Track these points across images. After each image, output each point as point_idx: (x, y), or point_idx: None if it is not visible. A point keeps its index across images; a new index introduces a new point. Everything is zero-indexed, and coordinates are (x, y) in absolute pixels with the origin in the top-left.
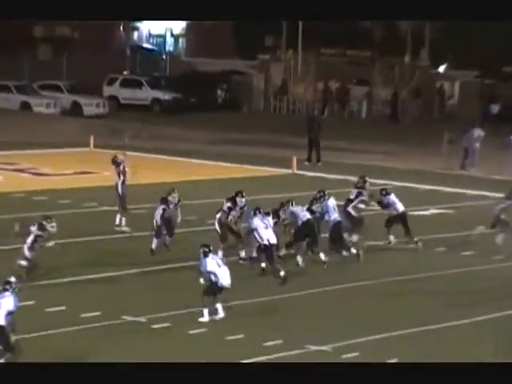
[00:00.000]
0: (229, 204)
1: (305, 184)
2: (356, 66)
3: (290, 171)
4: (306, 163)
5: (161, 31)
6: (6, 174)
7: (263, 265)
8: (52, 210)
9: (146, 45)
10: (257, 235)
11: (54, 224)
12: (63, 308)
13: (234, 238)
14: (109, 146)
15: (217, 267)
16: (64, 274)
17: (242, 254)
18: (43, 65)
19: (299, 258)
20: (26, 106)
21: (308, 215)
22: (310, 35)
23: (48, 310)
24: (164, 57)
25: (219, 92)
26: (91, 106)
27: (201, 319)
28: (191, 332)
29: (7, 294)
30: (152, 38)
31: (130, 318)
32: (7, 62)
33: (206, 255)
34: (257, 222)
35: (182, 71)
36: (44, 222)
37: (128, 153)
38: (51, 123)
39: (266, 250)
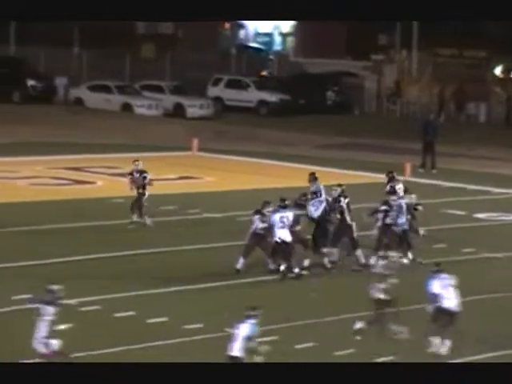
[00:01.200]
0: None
1: (418, 192)
2: (473, 68)
3: (402, 178)
4: (420, 170)
5: (268, 30)
6: (106, 178)
7: (282, 267)
8: (153, 216)
9: (252, 44)
10: (272, 232)
11: None
12: (165, 319)
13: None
14: (213, 149)
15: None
16: (170, 283)
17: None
18: (145, 64)
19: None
20: (127, 107)
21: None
22: (425, 35)
23: (149, 321)
24: (271, 57)
25: (329, 94)
26: (195, 107)
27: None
28: (297, 346)
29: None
30: (259, 37)
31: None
32: (108, 61)
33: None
34: (274, 219)
35: (291, 72)
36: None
37: (233, 157)
38: (153, 125)
39: (281, 248)
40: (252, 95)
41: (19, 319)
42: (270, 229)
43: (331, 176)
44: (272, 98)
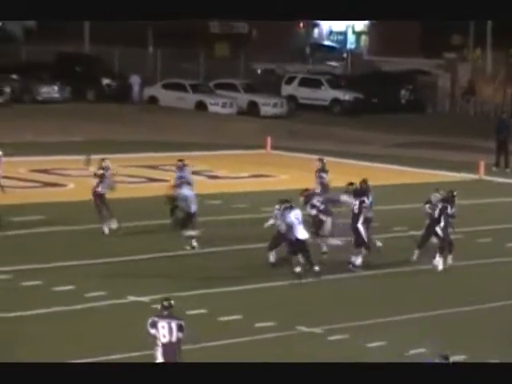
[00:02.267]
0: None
1: (492, 191)
2: None
3: (476, 177)
4: (494, 168)
5: (342, 28)
6: None
7: (297, 269)
8: (226, 214)
9: (326, 42)
10: (292, 231)
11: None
12: (239, 317)
13: None
14: (287, 147)
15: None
16: (238, 281)
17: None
18: (219, 63)
19: None
20: (201, 106)
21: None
22: (499, 34)
23: (221, 318)
24: (345, 55)
25: (403, 92)
26: (269, 105)
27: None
28: (368, 345)
29: None
30: (333, 36)
31: (304, 329)
32: (182, 60)
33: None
34: (291, 218)
35: (364, 70)
36: None
37: (306, 155)
38: (227, 123)
39: (298, 246)
40: (325, 93)
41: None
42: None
43: (405, 175)
44: (345, 96)
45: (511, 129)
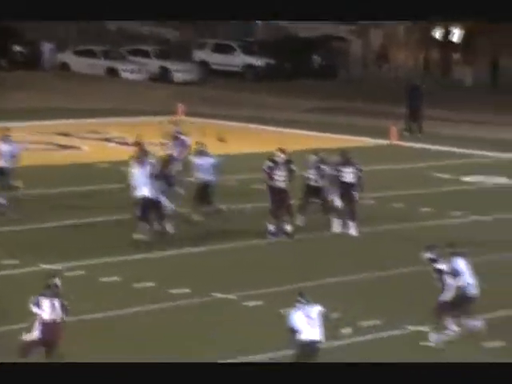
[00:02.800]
0: (269, 163)
1: (404, 156)
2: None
3: (388, 142)
4: (406, 133)
5: None
6: (92, 143)
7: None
8: None
9: None
10: None
11: None
12: (152, 284)
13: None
14: (199, 114)
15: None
16: (151, 248)
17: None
18: (131, 29)
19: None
20: (112, 72)
21: None
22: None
23: (136, 285)
24: (257, 20)
25: (315, 58)
26: (180, 71)
27: None
28: (282, 311)
29: None
30: None
31: (219, 295)
32: (94, 25)
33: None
34: None
35: (277, 36)
36: None
37: (218, 121)
38: (139, 90)
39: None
40: (238, 59)
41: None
42: None
43: (318, 140)
44: (258, 62)
45: (423, 94)
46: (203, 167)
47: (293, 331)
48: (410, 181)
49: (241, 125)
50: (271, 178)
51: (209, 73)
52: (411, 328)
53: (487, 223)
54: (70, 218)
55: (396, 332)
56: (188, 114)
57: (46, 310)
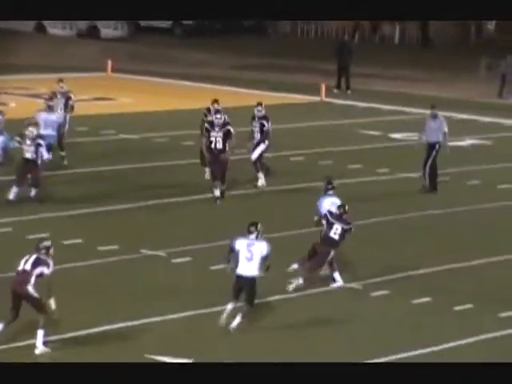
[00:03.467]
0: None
1: (334, 112)
2: None
3: (318, 98)
4: (335, 90)
5: None
6: (20, 99)
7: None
8: (68, 137)
9: None
10: None
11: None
12: (80, 241)
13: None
14: (127, 70)
15: None
16: (78, 205)
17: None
18: None
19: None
20: (40, 28)
21: None
22: None
23: (65, 242)
24: None
25: None
26: (109, 28)
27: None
28: (212, 268)
29: None
30: None
31: (148, 252)
32: None
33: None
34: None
35: None
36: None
37: (148, 78)
38: (67, 46)
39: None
40: None
41: None
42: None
43: (247, 97)
44: None
45: (352, 51)
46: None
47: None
48: (339, 138)
49: (170, 81)
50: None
51: (137, 29)
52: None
53: (415, 180)
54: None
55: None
56: (116, 70)
57: (21, 261)
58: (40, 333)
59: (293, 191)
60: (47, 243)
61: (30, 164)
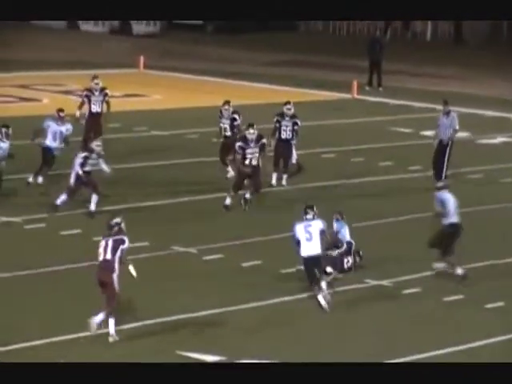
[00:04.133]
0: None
1: (365, 110)
2: None
3: (349, 96)
4: (367, 88)
5: None
6: (53, 95)
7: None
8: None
9: None
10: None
11: (98, 143)
12: None
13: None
14: (159, 67)
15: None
16: (110, 201)
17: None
18: None
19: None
20: (73, 25)
21: None
22: None
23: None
24: None
25: None
26: (141, 24)
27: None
28: (243, 264)
29: None
30: None
31: (180, 249)
32: None
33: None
34: None
35: None
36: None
37: (180, 75)
38: (99, 42)
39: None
40: None
41: None
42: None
43: (278, 94)
44: None
45: (384, 47)
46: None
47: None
48: (370, 135)
49: (201, 78)
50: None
51: (169, 26)
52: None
53: (447, 177)
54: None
55: None
56: (148, 67)
57: (100, 250)
58: (112, 321)
59: (325, 188)
60: (118, 219)
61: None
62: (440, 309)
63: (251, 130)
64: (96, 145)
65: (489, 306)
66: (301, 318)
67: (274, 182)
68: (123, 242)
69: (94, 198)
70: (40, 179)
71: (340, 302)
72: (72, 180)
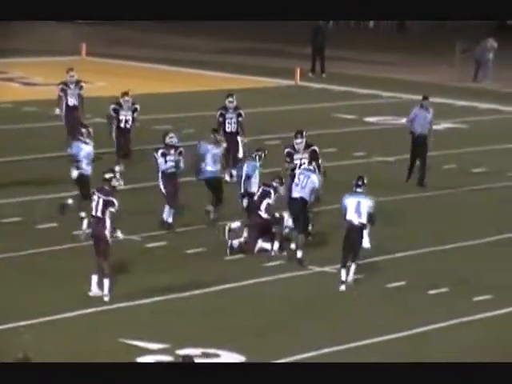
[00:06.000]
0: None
1: (309, 96)
2: None
3: (292, 82)
4: (310, 74)
5: None
6: None
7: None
8: (42, 122)
9: None
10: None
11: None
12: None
13: None
14: (102, 54)
15: None
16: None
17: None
18: None
19: None
20: None
21: None
22: None
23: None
24: None
25: None
26: None
27: None
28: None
29: None
30: None
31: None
32: None
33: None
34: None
35: None
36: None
37: (124, 62)
38: (41, 29)
39: None
40: None
41: None
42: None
43: (221, 80)
44: None
45: (327, 34)
46: None
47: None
48: (314, 121)
49: (147, 65)
50: None
51: None
52: None
53: (390, 164)
54: None
55: None
56: (92, 54)
57: (93, 204)
58: (106, 281)
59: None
60: (109, 174)
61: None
62: (383, 295)
63: (299, 140)
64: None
65: (432, 292)
66: (245, 305)
67: (227, 177)
68: (113, 204)
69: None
70: None
71: (284, 289)
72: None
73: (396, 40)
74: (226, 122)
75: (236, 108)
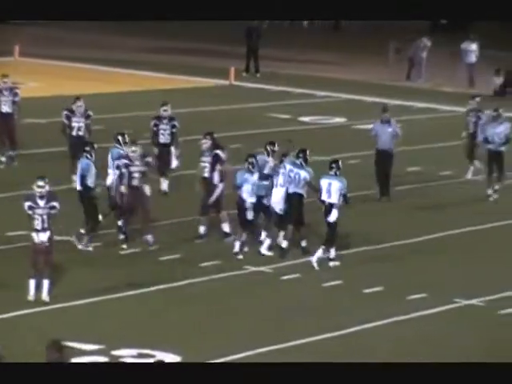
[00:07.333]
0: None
1: (243, 96)
2: None
3: (226, 82)
4: (244, 74)
5: None
6: None
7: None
8: None
9: None
10: None
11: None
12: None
13: None
14: (35, 54)
15: None
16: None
17: None
18: None
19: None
20: None
21: None
22: None
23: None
24: None
25: None
26: None
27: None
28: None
29: None
30: None
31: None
32: None
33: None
34: None
35: None
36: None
37: (56, 62)
38: None
39: None
40: None
41: None
42: None
43: (154, 80)
44: None
45: (261, 34)
46: None
47: None
48: (248, 121)
49: (73, 65)
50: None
51: None
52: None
53: (325, 163)
54: None
55: None
56: (23, 54)
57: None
58: (46, 282)
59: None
60: (41, 182)
61: None
62: (318, 295)
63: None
64: None
65: (367, 291)
66: (179, 305)
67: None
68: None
69: None
70: None
71: (219, 289)
72: None
73: (332, 39)
74: (160, 132)
75: (171, 118)
